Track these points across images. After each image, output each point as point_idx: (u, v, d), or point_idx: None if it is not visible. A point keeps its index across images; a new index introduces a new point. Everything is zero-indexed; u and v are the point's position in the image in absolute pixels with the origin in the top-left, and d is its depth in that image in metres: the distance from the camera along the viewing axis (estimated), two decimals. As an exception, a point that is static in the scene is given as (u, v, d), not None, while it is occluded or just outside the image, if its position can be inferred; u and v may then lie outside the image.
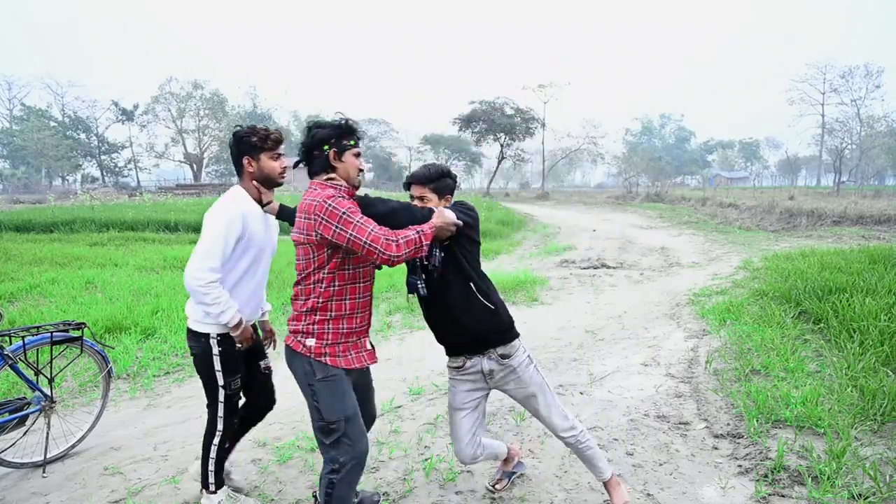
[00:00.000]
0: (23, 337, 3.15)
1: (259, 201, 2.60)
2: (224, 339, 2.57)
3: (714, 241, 15.04)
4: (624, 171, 48.99)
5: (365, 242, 2.06)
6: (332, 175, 2.26)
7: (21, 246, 11.92)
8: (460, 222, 2.31)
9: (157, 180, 65.32)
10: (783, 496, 2.85)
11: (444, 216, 2.27)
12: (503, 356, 2.48)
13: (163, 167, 69.07)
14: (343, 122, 2.27)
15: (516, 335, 2.53)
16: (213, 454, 2.67)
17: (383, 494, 2.92)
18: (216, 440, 2.67)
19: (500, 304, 2.50)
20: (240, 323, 2.50)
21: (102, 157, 61.28)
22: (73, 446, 3.42)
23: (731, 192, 37.54)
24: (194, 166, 65.97)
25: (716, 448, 3.42)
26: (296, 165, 2.40)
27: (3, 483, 3.08)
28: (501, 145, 47.87)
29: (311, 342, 2.22)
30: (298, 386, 2.30)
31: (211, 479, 2.68)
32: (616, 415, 3.95)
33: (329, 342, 2.23)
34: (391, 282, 8.34)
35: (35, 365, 3.22)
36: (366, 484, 3.01)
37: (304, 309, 2.24)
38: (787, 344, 5.03)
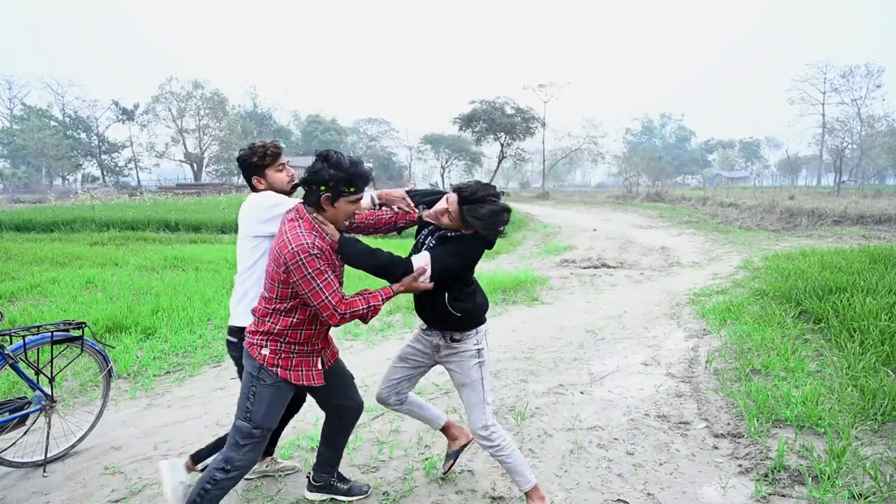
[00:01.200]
0: (23, 336, 3.15)
1: None
2: None
3: (714, 240, 15.04)
4: (624, 171, 48.99)
5: (314, 305, 2.20)
6: (320, 218, 2.28)
7: (21, 245, 11.94)
8: (430, 286, 2.41)
9: (157, 180, 65.37)
10: (783, 496, 2.85)
11: (415, 283, 2.37)
12: (453, 339, 2.66)
13: (163, 167, 69.09)
14: (352, 169, 2.21)
15: (474, 327, 2.67)
16: None
17: (384, 494, 2.92)
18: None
19: (470, 311, 2.61)
20: None
21: (103, 157, 61.35)
22: (73, 446, 3.42)
23: (732, 191, 37.53)
24: (194, 166, 65.94)
25: (716, 448, 3.42)
26: (293, 188, 2.49)
27: (4, 482, 3.08)
28: (502, 145, 47.83)
29: (265, 352, 2.30)
30: (241, 380, 2.40)
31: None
32: (616, 414, 3.95)
33: (282, 357, 2.32)
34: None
35: (35, 364, 3.22)
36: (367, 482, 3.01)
37: (262, 328, 2.31)
38: (788, 343, 5.02)
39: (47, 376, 3.25)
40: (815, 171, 74.55)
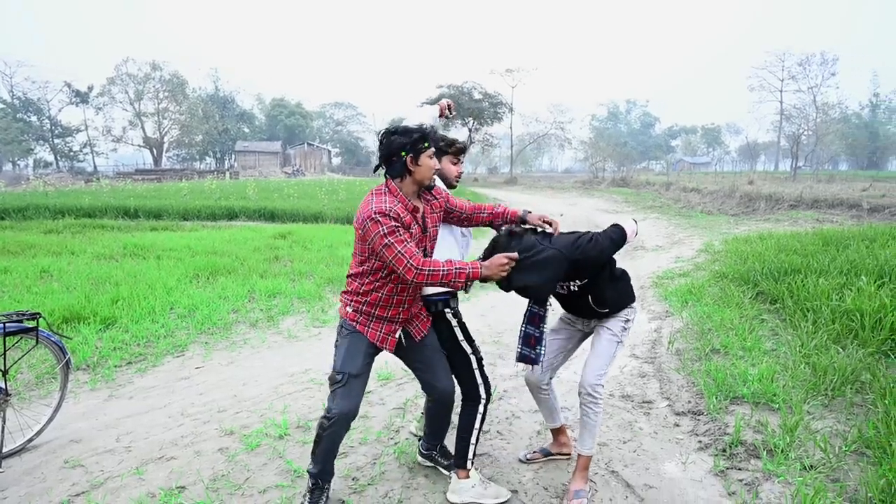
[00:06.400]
0: (-27, 328, 3.03)
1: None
2: (457, 310, 2.77)
3: (677, 224, 15.39)
4: (590, 157, 49.58)
5: (390, 260, 2.30)
6: (394, 182, 2.44)
7: (-30, 234, 11.42)
8: (503, 273, 2.36)
9: (114, 165, 63.26)
10: (740, 469, 2.97)
11: (495, 265, 2.35)
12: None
13: (121, 152, 66.96)
14: (419, 128, 2.42)
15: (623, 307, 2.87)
16: (477, 425, 2.74)
17: (353, 480, 2.93)
18: (481, 408, 2.74)
19: (612, 300, 2.80)
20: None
21: (56, 141, 58.89)
22: (30, 440, 3.32)
23: (694, 176, 38.34)
24: (154, 151, 64.06)
25: (677, 425, 3.53)
26: (375, 170, 2.50)
27: (-43, 479, 2.97)
28: (469, 130, 47.81)
29: (349, 309, 2.54)
30: None
31: (471, 455, 2.75)
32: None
33: (362, 316, 2.52)
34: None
35: (-13, 357, 3.10)
36: (337, 470, 3.01)
37: (350, 288, 2.55)
38: (745, 324, 5.20)
39: (0, 369, 3.14)
40: (773, 156, 76.77)
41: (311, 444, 2.58)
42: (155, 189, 25.50)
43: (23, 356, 3.43)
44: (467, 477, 2.74)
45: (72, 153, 60.75)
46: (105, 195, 19.89)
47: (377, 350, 2.58)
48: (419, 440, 3.10)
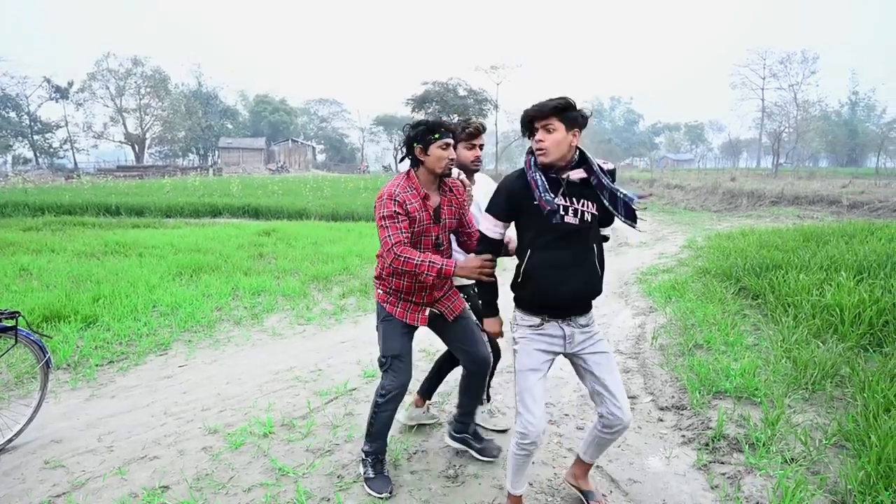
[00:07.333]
0: (-50, 328, 2.97)
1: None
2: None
3: (661, 221, 15.53)
4: (575, 153, 49.74)
5: (381, 239, 2.52)
6: (413, 170, 2.65)
7: (-54, 232, 11.19)
8: (480, 275, 2.42)
9: (95, 162, 62.36)
10: (723, 463, 3.01)
11: (469, 267, 2.44)
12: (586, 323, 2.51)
13: (102, 148, 65.84)
14: (429, 121, 2.61)
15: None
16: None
17: (338, 477, 2.92)
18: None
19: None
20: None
21: (35, 138, 57.67)
22: (10, 441, 3.26)
23: (678, 173, 38.76)
24: (136, 147, 63.15)
25: (661, 420, 3.57)
26: (401, 161, 2.74)
27: (-67, 481, 2.91)
28: (455, 127, 47.77)
29: (380, 291, 2.78)
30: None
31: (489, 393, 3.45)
32: (567, 391, 4.06)
33: (391, 296, 2.74)
34: (344, 264, 8.27)
35: (-36, 357, 3.04)
36: (320, 467, 3.00)
37: (376, 274, 2.80)
38: (728, 319, 5.26)
39: (-22, 369, 3.08)
40: (755, 153, 77.65)
41: (365, 426, 2.81)
42: (137, 186, 25.16)
43: (2, 355, 3.37)
44: (481, 403, 3.32)
45: (52, 150, 59.53)
46: (86, 192, 19.59)
47: (413, 327, 2.77)
48: (450, 424, 3.17)
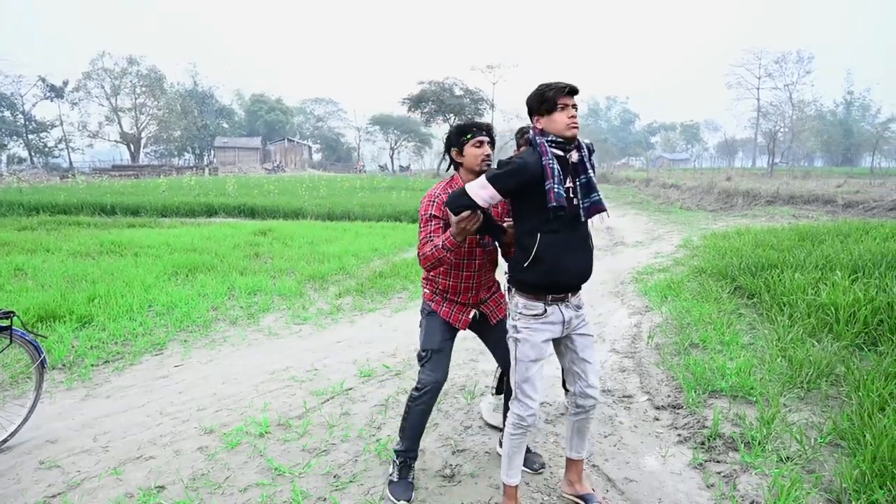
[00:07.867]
0: (-57, 328, 2.95)
1: None
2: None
3: (657, 220, 15.56)
4: (571, 153, 49.79)
5: (419, 241, 2.61)
6: (459, 174, 2.72)
7: (-60, 231, 11.13)
8: (467, 229, 2.41)
9: (91, 161, 62.13)
10: (718, 461, 3.02)
11: (456, 226, 2.43)
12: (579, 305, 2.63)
13: (97, 147, 65.67)
14: (460, 123, 2.73)
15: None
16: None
17: (334, 477, 2.92)
18: None
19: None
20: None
21: (30, 137, 57.46)
22: (4, 441, 3.25)
23: (673, 173, 38.84)
24: (131, 146, 62.97)
25: (657, 419, 3.58)
26: (449, 166, 2.81)
27: (-73, 482, 2.90)
28: (451, 126, 47.87)
29: (426, 290, 2.87)
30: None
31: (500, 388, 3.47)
32: (563, 390, 4.05)
33: (437, 295, 2.83)
34: (340, 264, 8.26)
35: (-42, 357, 3.03)
36: (316, 467, 3.00)
37: (423, 275, 2.86)
38: (724, 318, 5.27)
39: (-28, 369, 3.07)
40: (750, 153, 77.93)
41: (400, 422, 2.83)
42: (132, 185, 25.07)
43: (-5, 356, 3.36)
44: (494, 395, 3.55)
45: (46, 149, 59.31)
46: (81, 192, 19.51)
47: (455, 329, 2.84)
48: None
